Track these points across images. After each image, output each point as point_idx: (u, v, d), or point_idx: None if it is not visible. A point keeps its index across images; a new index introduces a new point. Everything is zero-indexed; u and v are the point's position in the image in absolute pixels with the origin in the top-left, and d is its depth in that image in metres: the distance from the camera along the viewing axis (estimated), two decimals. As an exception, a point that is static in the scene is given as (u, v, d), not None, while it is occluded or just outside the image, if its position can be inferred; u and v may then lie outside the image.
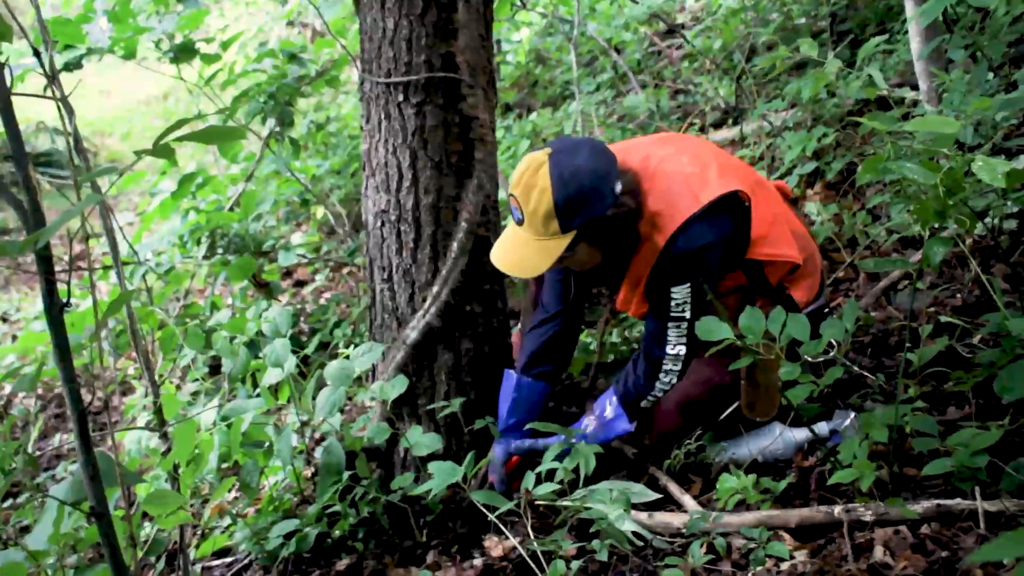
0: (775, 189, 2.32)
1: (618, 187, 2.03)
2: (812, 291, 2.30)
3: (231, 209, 4.02)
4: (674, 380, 2.18)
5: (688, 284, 2.08)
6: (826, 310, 2.38)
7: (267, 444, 2.40)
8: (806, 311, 2.25)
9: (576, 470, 2.08)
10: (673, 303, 2.10)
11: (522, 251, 2.06)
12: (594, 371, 2.70)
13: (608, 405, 2.27)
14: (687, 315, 2.10)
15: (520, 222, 2.05)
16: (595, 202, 2.00)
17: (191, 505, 2.50)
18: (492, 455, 2.35)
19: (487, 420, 2.35)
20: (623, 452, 2.40)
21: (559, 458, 2.10)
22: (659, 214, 2.07)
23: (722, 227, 2.08)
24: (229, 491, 2.84)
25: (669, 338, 2.14)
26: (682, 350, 2.15)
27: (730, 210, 2.09)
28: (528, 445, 2.31)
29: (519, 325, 2.64)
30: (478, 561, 2.07)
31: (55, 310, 1.17)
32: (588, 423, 2.28)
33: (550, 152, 2.01)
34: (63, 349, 1.19)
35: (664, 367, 2.17)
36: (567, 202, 1.98)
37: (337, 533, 2.29)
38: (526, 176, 2.01)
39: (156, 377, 2.11)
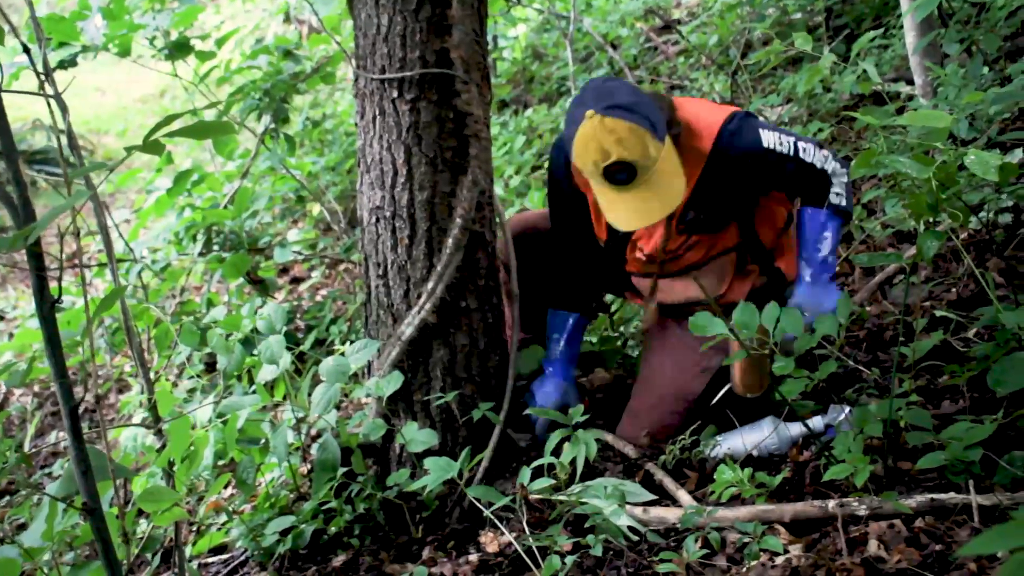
0: None
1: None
2: (793, 270, 2.37)
3: (226, 206, 4.02)
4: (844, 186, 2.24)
5: (765, 129, 2.17)
6: None
7: (263, 441, 2.40)
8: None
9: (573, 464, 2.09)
10: (776, 147, 2.17)
11: (658, 186, 2.04)
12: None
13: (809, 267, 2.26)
14: (791, 140, 2.18)
15: (632, 175, 2.01)
16: (651, 106, 2.04)
17: (187, 502, 2.50)
18: (537, 391, 2.47)
19: (483, 410, 2.35)
20: (621, 450, 2.40)
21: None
22: (692, 122, 2.16)
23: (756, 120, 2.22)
24: (225, 488, 2.84)
25: (812, 160, 2.20)
26: (825, 153, 2.22)
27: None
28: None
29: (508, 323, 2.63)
30: (474, 556, 2.07)
31: (46, 307, 1.17)
32: (799, 298, 2.24)
33: (593, 112, 2.00)
34: (54, 345, 1.19)
35: (836, 179, 2.23)
36: (644, 119, 1.99)
37: (333, 529, 2.29)
38: (603, 141, 1.98)
39: (151, 374, 2.11)
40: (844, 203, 2.22)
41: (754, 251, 2.33)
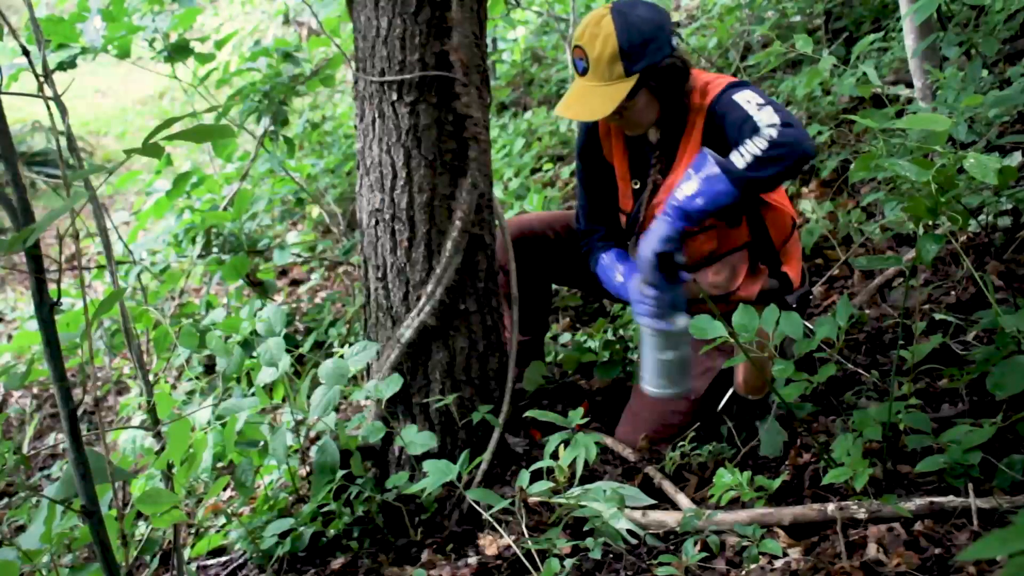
0: None
1: (674, 41, 2.20)
2: (799, 276, 2.43)
3: (226, 208, 4.02)
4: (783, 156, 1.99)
5: (747, 89, 2.15)
6: (810, 296, 2.54)
7: (262, 443, 2.40)
8: (796, 294, 2.40)
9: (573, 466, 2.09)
10: (743, 102, 2.10)
11: (587, 98, 2.19)
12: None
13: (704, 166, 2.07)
14: (763, 100, 2.08)
15: (584, 71, 2.20)
16: (655, 48, 2.15)
17: (186, 504, 2.50)
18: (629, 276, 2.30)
19: (483, 413, 2.35)
20: (620, 454, 2.40)
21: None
22: (707, 84, 2.24)
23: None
24: (224, 490, 2.84)
25: (759, 120, 2.02)
26: (776, 120, 2.00)
27: None
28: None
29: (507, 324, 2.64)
30: (473, 559, 2.07)
31: (45, 309, 1.17)
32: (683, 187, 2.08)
33: (611, 6, 2.17)
34: (53, 348, 1.19)
35: (759, 138, 2.01)
36: (631, 46, 2.13)
37: (332, 532, 2.28)
38: (590, 27, 2.16)
39: (150, 376, 2.11)
40: (741, 166, 1.99)
41: (764, 252, 2.37)
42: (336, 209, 4.77)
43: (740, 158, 2.00)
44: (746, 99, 2.11)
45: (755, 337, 1.88)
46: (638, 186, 2.41)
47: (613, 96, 2.16)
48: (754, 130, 2.02)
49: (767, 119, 2.02)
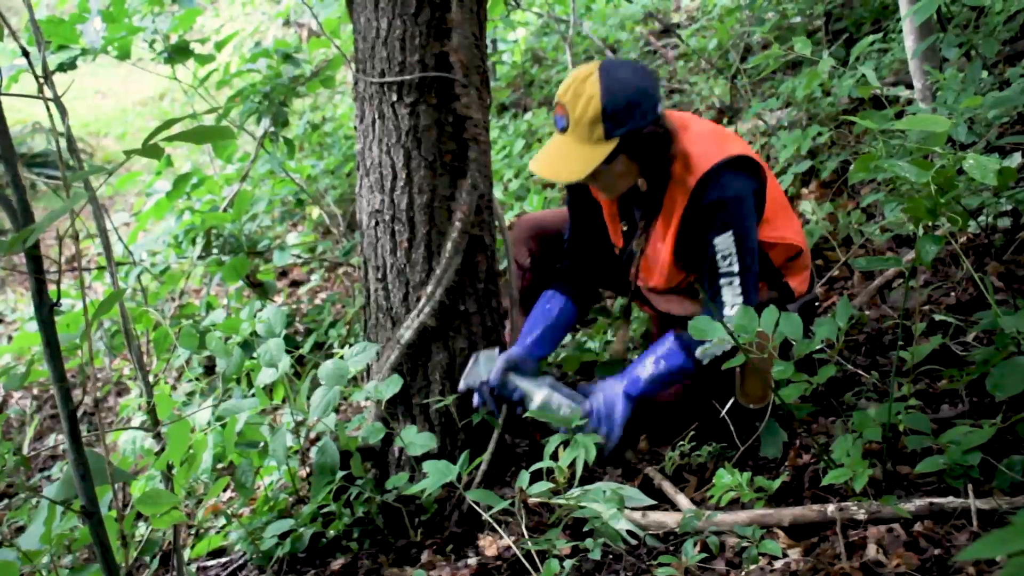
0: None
1: (660, 108, 2.14)
2: (804, 284, 2.40)
3: (226, 209, 4.02)
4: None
5: (730, 232, 2.11)
6: (816, 303, 2.47)
7: (262, 444, 2.40)
8: (799, 302, 2.35)
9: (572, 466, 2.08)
10: (719, 255, 2.12)
11: (564, 157, 2.13)
12: None
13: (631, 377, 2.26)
14: (736, 268, 2.12)
15: (564, 129, 2.13)
16: (639, 114, 2.09)
17: (185, 505, 2.50)
18: (484, 362, 2.34)
19: (482, 414, 2.35)
20: (620, 454, 2.40)
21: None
22: (690, 156, 2.16)
23: (749, 181, 2.16)
24: (224, 491, 2.84)
25: (724, 299, 2.14)
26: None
27: (752, 171, 2.17)
28: (514, 387, 2.31)
29: (508, 326, 2.64)
30: (472, 560, 2.07)
31: (45, 310, 1.17)
32: (596, 398, 2.27)
33: (599, 65, 2.11)
34: (53, 349, 1.19)
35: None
36: (614, 109, 2.06)
37: (332, 533, 2.29)
38: (575, 84, 2.10)
39: (150, 377, 2.11)
40: (704, 360, 2.15)
41: (764, 271, 2.32)
42: (336, 210, 4.77)
43: (705, 356, 2.13)
44: (725, 248, 2.12)
45: (755, 339, 1.88)
46: (626, 228, 2.40)
47: (590, 159, 2.09)
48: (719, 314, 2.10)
49: (734, 300, 2.13)
